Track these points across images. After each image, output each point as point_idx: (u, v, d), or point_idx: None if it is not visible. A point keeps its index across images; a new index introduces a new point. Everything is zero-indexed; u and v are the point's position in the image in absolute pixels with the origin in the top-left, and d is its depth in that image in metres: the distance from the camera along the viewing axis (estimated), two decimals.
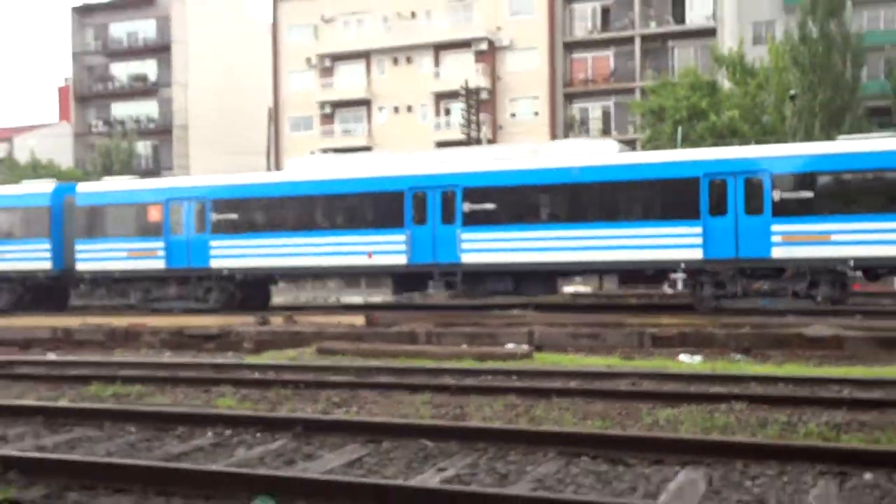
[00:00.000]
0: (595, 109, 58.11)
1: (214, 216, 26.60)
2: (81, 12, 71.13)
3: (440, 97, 58.17)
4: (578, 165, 23.48)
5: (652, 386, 11.18)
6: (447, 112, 57.41)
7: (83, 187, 29.89)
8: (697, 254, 21.73)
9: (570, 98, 58.54)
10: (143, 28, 69.36)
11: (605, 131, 55.95)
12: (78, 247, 27.73)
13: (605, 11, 58.44)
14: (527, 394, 10.66)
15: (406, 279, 27.00)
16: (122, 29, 70.18)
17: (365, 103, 61.11)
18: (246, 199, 26.92)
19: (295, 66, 62.98)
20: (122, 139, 61.35)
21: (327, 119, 61.88)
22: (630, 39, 57.15)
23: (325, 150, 59.58)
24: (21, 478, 6.86)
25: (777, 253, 21.09)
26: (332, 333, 18.68)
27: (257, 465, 7.28)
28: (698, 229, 21.72)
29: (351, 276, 30.82)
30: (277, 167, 54.69)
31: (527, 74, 58.06)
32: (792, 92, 39.82)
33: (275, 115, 61.15)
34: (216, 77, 67.71)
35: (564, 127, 57.37)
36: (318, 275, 30.52)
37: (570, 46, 58.85)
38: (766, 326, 17.32)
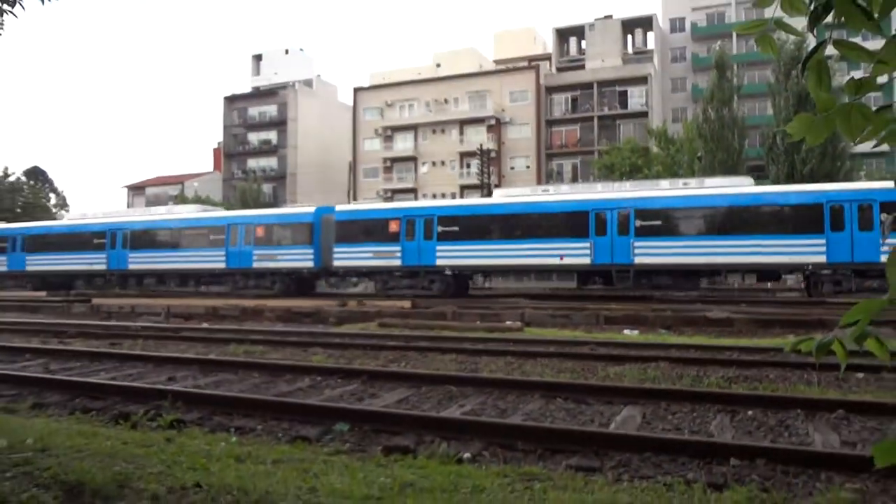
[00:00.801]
0: (567, 165, 57.83)
1: (440, 228, 25.45)
2: (230, 100, 71.77)
3: (463, 155, 58.09)
4: (725, 193, 22.72)
5: (605, 351, 11.09)
6: (468, 166, 57.31)
7: (341, 207, 29.34)
8: (821, 259, 20.74)
9: (550, 157, 58.35)
10: (269, 110, 69.81)
11: (574, 180, 55.71)
12: (335, 250, 27.17)
13: (574, 100, 58.44)
14: (519, 355, 10.61)
15: (588, 275, 25.66)
16: (255, 110, 70.68)
17: (413, 159, 61.10)
18: (464, 216, 25.90)
19: (367, 134, 63.14)
20: (253, 183, 61.79)
21: (388, 170, 61.96)
22: (591, 118, 56.99)
23: (386, 191, 59.84)
24: (184, 405, 6.91)
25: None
26: (388, 312, 18.67)
27: (338, 400, 7.28)
28: (822, 241, 20.68)
29: (544, 272, 28.82)
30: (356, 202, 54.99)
31: (522, 141, 58.03)
32: (699, 154, 39.78)
33: (353, 167, 61.34)
34: (316, 142, 68.14)
35: (546, 177, 57.22)
36: (518, 271, 28.63)
37: (551, 123, 58.73)
38: (682, 311, 17.17)
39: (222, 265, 29.50)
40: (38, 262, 34.19)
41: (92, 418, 6.64)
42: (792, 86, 37.30)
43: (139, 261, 31.48)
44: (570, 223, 24.07)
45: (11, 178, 75.51)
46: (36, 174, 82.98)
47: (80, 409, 7.02)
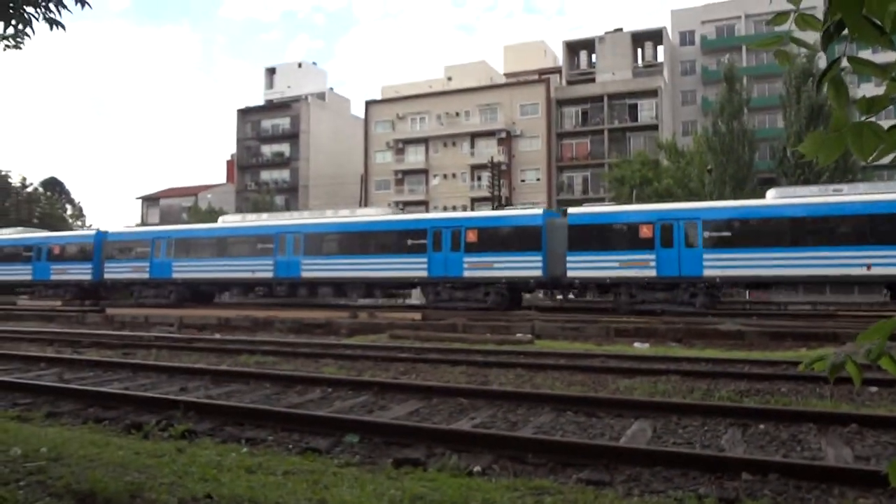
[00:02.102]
0: (577, 178, 57.80)
1: (706, 234, 21.99)
2: (243, 112, 72.30)
3: (474, 168, 58.16)
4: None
5: (615, 364, 11.02)
6: (479, 178, 57.38)
7: (575, 210, 25.30)
8: None
9: (560, 170, 58.32)
10: (282, 123, 70.25)
11: (585, 193, 55.71)
12: (569, 259, 23.42)
13: (584, 113, 58.47)
14: (530, 368, 10.56)
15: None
16: (268, 123, 71.14)
17: (424, 172, 61.24)
18: (743, 219, 22.25)
19: (379, 147, 63.39)
20: (266, 195, 62.13)
21: (399, 182, 62.12)
22: (601, 131, 56.98)
23: (397, 203, 59.96)
24: (196, 416, 6.92)
25: None
26: (399, 324, 18.65)
27: (349, 412, 7.27)
28: None
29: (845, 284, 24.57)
30: None
31: (532, 153, 58.07)
32: (709, 167, 39.67)
33: (365, 179, 61.53)
34: (328, 154, 68.49)
35: (557, 189, 57.25)
36: (815, 283, 24.48)
37: (561, 136, 58.75)
38: (693, 324, 17.05)
39: (423, 273, 25.42)
40: (188, 269, 30.25)
41: (105, 427, 6.66)
42: (803, 98, 37.21)
43: (314, 268, 27.77)
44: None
45: (29, 189, 76.30)
46: (53, 185, 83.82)
47: (94, 419, 7.05)
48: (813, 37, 1.80)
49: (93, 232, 36.30)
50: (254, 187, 67.85)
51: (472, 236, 25.00)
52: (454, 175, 59.62)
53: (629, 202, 35.62)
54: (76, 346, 14.98)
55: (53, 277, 33.92)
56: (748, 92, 44.04)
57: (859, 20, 1.59)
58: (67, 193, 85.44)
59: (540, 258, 23.72)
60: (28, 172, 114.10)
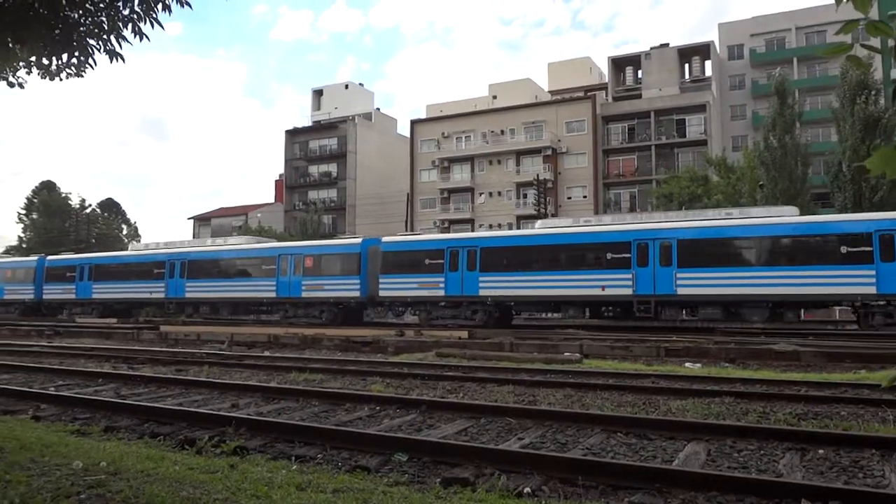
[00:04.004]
0: (625, 195, 57.32)
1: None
2: (291, 133, 73.81)
3: (520, 186, 58.15)
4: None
5: (666, 384, 10.79)
6: (524, 196, 57.31)
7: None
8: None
9: (607, 186, 57.89)
10: (330, 143, 71.47)
11: (632, 209, 55.15)
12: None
13: (631, 129, 58.05)
14: (579, 387, 10.41)
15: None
16: (316, 144, 72.47)
17: (470, 190, 61.46)
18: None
19: (425, 165, 63.93)
20: (313, 214, 63.10)
21: (445, 200, 62.47)
22: (648, 147, 56.44)
23: (443, 222, 60.27)
24: (247, 432, 7.01)
25: None
26: (446, 342, 18.63)
27: (397, 430, 7.28)
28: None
29: None
30: (412, 232, 55.53)
31: (578, 170, 57.78)
32: (761, 183, 38.85)
33: (411, 198, 62.03)
34: (374, 174, 69.34)
35: (604, 206, 56.77)
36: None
37: (608, 152, 58.37)
38: (746, 343, 16.63)
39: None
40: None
41: (160, 443, 6.81)
42: (858, 111, 36.17)
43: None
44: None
45: (88, 210, 79.05)
46: (110, 206, 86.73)
47: (149, 434, 7.22)
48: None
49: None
50: (302, 207, 69.02)
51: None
52: (499, 193, 59.68)
53: None
54: (131, 362, 15.38)
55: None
56: (800, 105, 43.11)
57: None
58: (123, 214, 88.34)
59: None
60: (87, 194, 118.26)
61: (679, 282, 21.75)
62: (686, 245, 21.99)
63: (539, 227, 26.10)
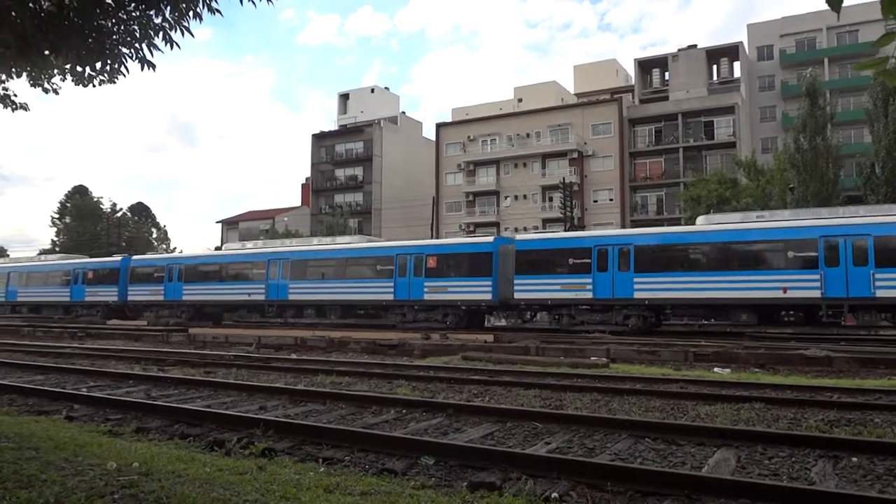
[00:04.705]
0: (651, 198, 56.83)
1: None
2: (318, 137, 74.36)
3: (546, 189, 57.96)
4: None
5: (695, 389, 10.67)
6: (550, 199, 57.14)
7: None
8: None
9: (634, 189, 57.44)
10: (356, 147, 71.84)
11: (659, 213, 54.65)
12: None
13: (658, 131, 57.55)
14: (606, 392, 10.36)
15: None
16: (342, 147, 72.90)
17: (495, 193, 61.38)
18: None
19: (450, 169, 63.99)
20: (339, 217, 63.50)
21: (470, 204, 62.46)
22: (676, 150, 55.90)
23: (468, 225, 60.27)
24: (275, 434, 7.07)
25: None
26: (471, 346, 18.63)
27: (424, 434, 7.29)
28: None
29: None
30: (437, 236, 55.66)
31: (605, 173, 57.44)
32: (791, 185, 38.28)
33: (436, 201, 62.14)
34: (400, 177, 69.58)
35: (630, 209, 56.35)
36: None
37: (634, 155, 57.94)
38: (776, 348, 16.40)
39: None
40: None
41: (189, 444, 6.89)
42: (892, 111, 35.48)
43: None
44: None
45: (118, 214, 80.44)
46: (140, 210, 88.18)
47: (179, 435, 7.32)
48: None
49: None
50: (328, 210, 69.47)
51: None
52: (525, 196, 59.54)
53: None
54: (161, 364, 15.61)
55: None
56: (832, 106, 42.37)
57: None
58: (153, 218, 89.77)
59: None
60: (118, 198, 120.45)
61: (878, 283, 19.78)
62: (888, 242, 20.00)
63: (703, 224, 23.87)
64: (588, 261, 23.49)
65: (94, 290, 36.90)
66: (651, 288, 22.66)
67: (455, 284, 25.85)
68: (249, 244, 35.21)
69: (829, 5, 1.70)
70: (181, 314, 33.50)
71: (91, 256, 45.50)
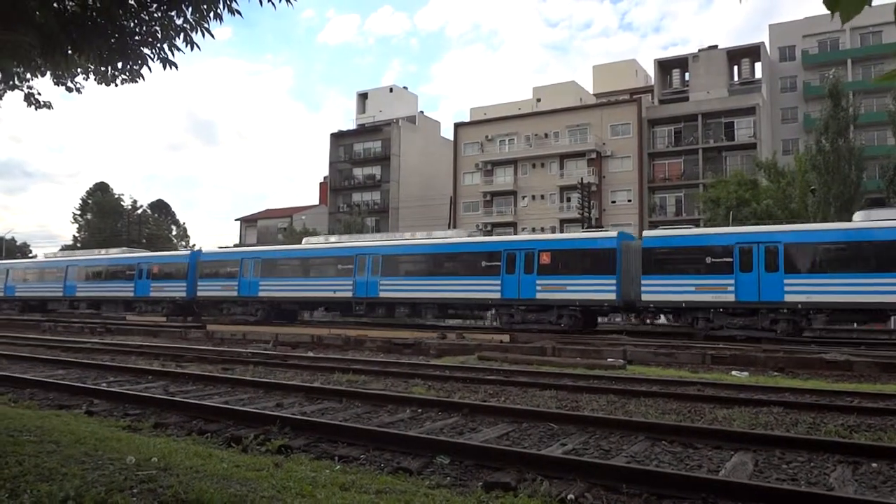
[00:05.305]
0: (670, 199, 56.48)
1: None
2: (336, 136, 74.67)
3: (563, 189, 57.77)
4: None
5: (712, 392, 10.59)
6: (568, 199, 56.94)
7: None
8: None
9: (652, 190, 57.12)
10: (374, 146, 72.01)
11: (678, 214, 54.24)
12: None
13: (678, 132, 57.15)
14: (622, 394, 10.31)
15: None
16: (360, 147, 73.13)
17: (513, 193, 61.29)
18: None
19: (468, 168, 63.98)
20: (357, 216, 63.71)
21: (488, 204, 62.43)
22: (695, 151, 55.49)
23: (486, 225, 60.21)
24: (291, 431, 7.12)
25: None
26: (487, 346, 18.61)
27: (439, 433, 7.30)
28: None
29: None
30: None
31: (623, 174, 57.18)
32: (812, 187, 37.88)
33: (454, 201, 62.15)
34: (418, 176, 69.70)
35: (649, 211, 56.02)
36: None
37: (653, 155, 57.61)
38: (795, 352, 16.22)
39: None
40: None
41: (207, 440, 6.96)
42: None
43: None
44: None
45: (139, 211, 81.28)
46: (160, 207, 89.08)
47: (197, 431, 7.38)
48: None
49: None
50: (346, 209, 69.73)
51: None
52: (542, 196, 59.39)
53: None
54: (179, 360, 15.75)
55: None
56: (855, 108, 41.84)
57: None
58: (173, 215, 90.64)
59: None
60: (139, 195, 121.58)
61: None
62: None
63: (860, 219, 21.51)
64: (729, 260, 21.44)
65: (159, 286, 34.99)
66: (805, 290, 20.52)
67: (573, 283, 23.78)
68: (333, 238, 33.41)
69: (827, 8, 1.68)
70: (256, 311, 31.64)
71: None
